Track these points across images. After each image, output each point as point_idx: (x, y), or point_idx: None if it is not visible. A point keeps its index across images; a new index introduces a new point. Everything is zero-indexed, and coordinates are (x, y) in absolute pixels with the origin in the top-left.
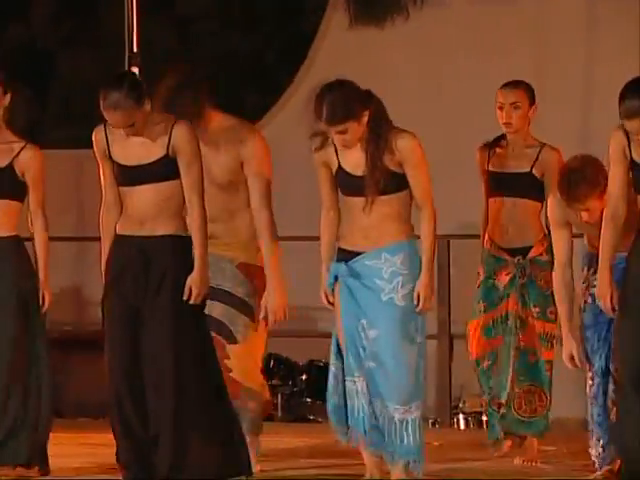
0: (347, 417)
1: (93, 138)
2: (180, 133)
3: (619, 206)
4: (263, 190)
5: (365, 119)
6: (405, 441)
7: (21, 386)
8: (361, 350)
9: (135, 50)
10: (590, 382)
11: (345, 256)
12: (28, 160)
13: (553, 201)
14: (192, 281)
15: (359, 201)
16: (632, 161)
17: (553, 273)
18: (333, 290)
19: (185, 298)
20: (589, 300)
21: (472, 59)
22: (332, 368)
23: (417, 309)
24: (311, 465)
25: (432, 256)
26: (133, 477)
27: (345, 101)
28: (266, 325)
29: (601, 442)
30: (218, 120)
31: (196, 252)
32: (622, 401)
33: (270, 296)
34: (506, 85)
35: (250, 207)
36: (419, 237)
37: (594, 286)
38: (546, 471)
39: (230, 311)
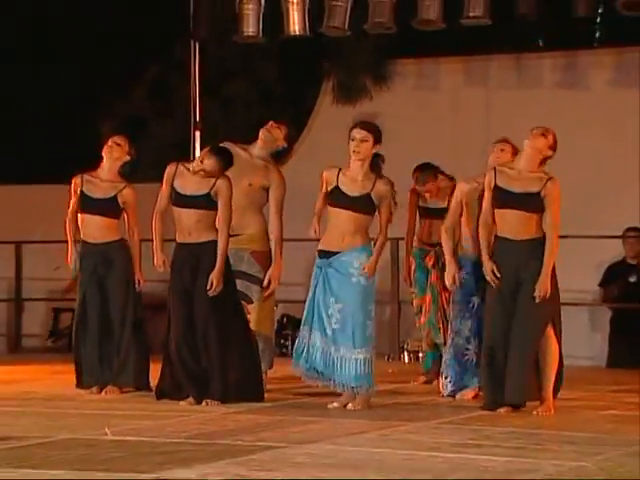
0: (307, 360)
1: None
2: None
3: (489, 218)
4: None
5: (373, 149)
6: (353, 373)
7: (130, 336)
8: (326, 317)
9: (197, 119)
10: (451, 338)
11: (326, 254)
12: (126, 196)
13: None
14: (213, 275)
15: (344, 213)
16: (495, 185)
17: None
18: (321, 271)
19: (209, 289)
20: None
21: (413, 124)
22: (304, 328)
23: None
24: (310, 385)
25: (377, 256)
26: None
27: (375, 125)
28: (270, 290)
29: (449, 379)
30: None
31: (218, 255)
32: (485, 354)
33: (272, 267)
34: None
35: (260, 210)
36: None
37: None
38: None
39: (245, 283)
